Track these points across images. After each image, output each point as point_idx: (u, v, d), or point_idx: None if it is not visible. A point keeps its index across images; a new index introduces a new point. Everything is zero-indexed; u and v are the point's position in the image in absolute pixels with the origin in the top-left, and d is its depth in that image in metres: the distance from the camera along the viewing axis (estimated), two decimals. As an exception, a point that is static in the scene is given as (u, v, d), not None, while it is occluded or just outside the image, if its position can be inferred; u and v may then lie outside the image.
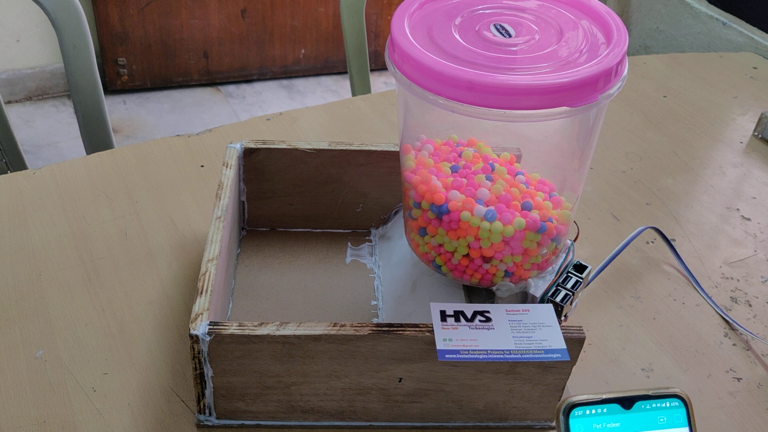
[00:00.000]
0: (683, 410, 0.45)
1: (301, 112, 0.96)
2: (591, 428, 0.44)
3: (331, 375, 0.55)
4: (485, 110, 0.50)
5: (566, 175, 0.61)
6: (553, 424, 0.60)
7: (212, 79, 2.43)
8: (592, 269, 0.62)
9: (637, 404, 0.44)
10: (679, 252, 0.77)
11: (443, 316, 0.54)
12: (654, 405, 0.45)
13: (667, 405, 0.45)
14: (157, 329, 0.65)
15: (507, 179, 0.59)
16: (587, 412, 0.44)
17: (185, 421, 0.58)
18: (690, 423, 0.45)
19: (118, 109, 2.29)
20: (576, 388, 0.63)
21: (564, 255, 0.62)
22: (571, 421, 0.44)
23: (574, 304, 0.60)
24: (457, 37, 0.54)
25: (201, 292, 0.55)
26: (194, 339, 0.52)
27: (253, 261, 0.71)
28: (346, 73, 2.46)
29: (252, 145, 0.70)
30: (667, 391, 0.45)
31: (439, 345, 0.52)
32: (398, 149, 0.65)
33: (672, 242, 0.78)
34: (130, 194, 0.80)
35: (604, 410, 0.44)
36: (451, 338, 0.53)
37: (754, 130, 1.00)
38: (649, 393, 0.45)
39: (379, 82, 2.47)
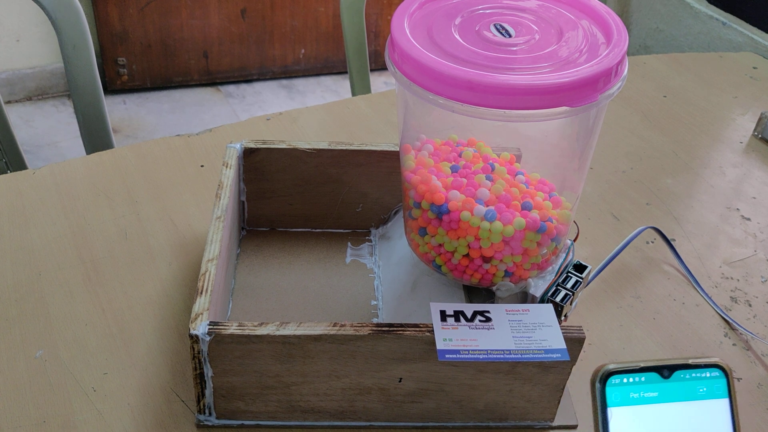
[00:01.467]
0: (724, 381, 0.43)
1: (301, 112, 0.96)
2: (628, 397, 0.43)
3: (331, 375, 0.55)
4: (485, 110, 0.50)
5: (566, 174, 0.61)
6: (553, 423, 0.60)
7: (212, 79, 2.43)
8: (592, 269, 0.62)
9: (676, 373, 0.43)
10: (679, 252, 0.77)
11: (443, 316, 0.54)
12: (693, 375, 0.43)
13: (708, 375, 0.43)
14: (157, 329, 0.65)
15: (507, 179, 0.59)
16: (624, 380, 0.43)
17: (185, 421, 0.58)
18: (730, 394, 0.43)
19: (118, 109, 2.29)
20: (576, 388, 0.63)
21: (564, 255, 0.62)
22: (608, 389, 0.42)
23: (574, 304, 0.60)
24: (457, 37, 0.54)
25: (201, 292, 0.55)
26: (194, 339, 0.52)
27: (253, 261, 0.71)
28: (346, 73, 2.46)
29: (252, 145, 0.70)
30: (707, 361, 0.43)
31: (439, 345, 0.52)
32: (398, 149, 0.65)
33: (672, 242, 0.78)
34: (130, 194, 0.80)
35: (642, 379, 0.43)
36: (451, 338, 0.53)
37: (754, 130, 1.00)
38: (689, 362, 0.43)
39: (379, 82, 2.47)
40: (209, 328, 0.52)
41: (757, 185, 0.91)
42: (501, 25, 0.56)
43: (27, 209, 0.77)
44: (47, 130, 2.18)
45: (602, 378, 0.43)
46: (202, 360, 0.54)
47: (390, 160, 0.71)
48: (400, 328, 0.53)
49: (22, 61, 2.24)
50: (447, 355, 0.52)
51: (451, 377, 0.56)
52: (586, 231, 0.81)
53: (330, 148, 0.70)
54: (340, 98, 1.24)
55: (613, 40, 0.53)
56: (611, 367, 0.43)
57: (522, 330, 0.54)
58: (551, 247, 0.60)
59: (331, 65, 2.54)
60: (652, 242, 0.80)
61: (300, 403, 0.57)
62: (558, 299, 0.58)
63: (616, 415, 0.42)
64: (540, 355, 0.52)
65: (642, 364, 0.43)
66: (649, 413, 0.43)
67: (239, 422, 0.58)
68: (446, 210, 0.57)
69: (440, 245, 0.59)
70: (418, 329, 0.53)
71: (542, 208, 0.58)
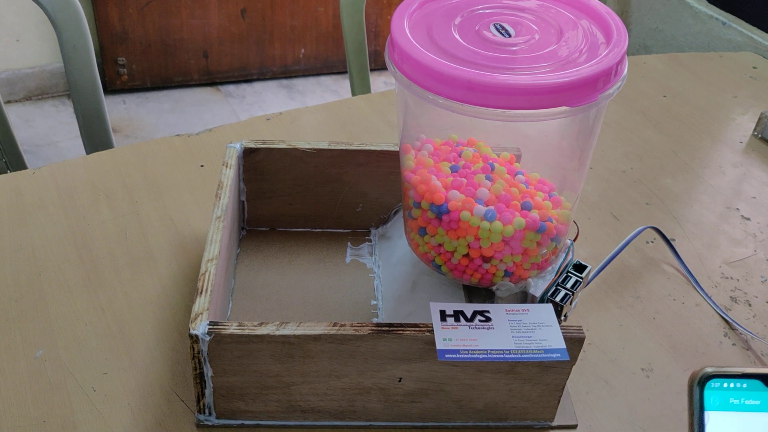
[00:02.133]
0: None
1: (301, 112, 0.96)
2: (727, 403, 0.41)
3: (330, 375, 0.55)
4: (485, 110, 0.50)
5: (566, 174, 0.61)
6: (553, 423, 0.60)
7: (212, 79, 2.43)
8: (592, 269, 0.62)
9: None
10: (679, 252, 0.77)
11: (443, 315, 0.54)
12: None
13: None
14: (157, 329, 0.65)
15: (507, 179, 0.59)
16: (725, 385, 0.41)
17: (185, 420, 0.58)
18: None
19: (117, 109, 2.29)
20: (576, 388, 0.63)
21: (564, 255, 0.62)
22: (706, 392, 0.41)
23: (573, 303, 0.60)
24: (457, 36, 0.54)
25: (201, 292, 0.55)
26: (194, 339, 0.52)
27: (253, 261, 0.71)
28: (346, 72, 2.46)
29: (252, 145, 0.70)
30: None
31: (439, 345, 0.52)
32: (398, 149, 0.65)
33: (672, 242, 0.78)
34: (130, 194, 0.80)
35: (744, 385, 0.41)
36: (451, 338, 0.53)
37: (754, 130, 1.00)
38: None
39: (379, 82, 2.47)
40: (209, 328, 0.52)
41: (757, 185, 0.91)
42: (501, 25, 0.56)
43: (27, 209, 0.77)
44: (47, 129, 2.18)
45: (701, 381, 0.41)
46: (202, 360, 0.54)
47: (390, 160, 0.71)
48: (399, 328, 0.53)
49: (22, 61, 2.24)
50: (447, 355, 0.52)
51: (451, 377, 0.56)
52: (586, 231, 0.81)
53: (330, 147, 0.70)
54: (340, 98, 1.24)
55: (613, 39, 0.53)
56: (710, 370, 0.41)
57: (522, 330, 0.54)
58: (551, 246, 0.60)
59: (331, 65, 2.54)
60: (652, 242, 0.80)
61: (300, 403, 0.57)
62: (558, 299, 0.59)
63: (713, 419, 0.41)
64: (540, 355, 0.52)
65: (744, 371, 0.41)
66: (750, 421, 0.41)
67: (239, 422, 0.58)
68: (446, 210, 0.57)
69: (440, 245, 0.59)
70: (417, 329, 0.53)
71: (542, 207, 0.58)
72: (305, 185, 0.72)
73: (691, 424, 0.41)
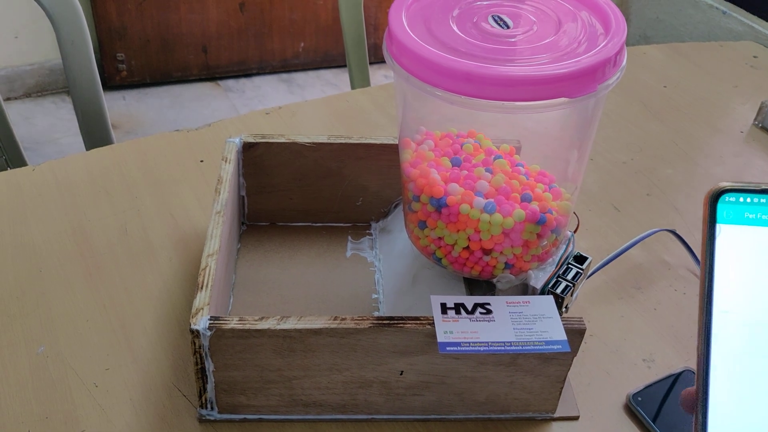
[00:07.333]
0: None
1: (300, 106, 0.96)
2: (742, 216, 0.40)
3: (332, 368, 0.55)
4: (483, 102, 0.50)
5: (566, 166, 0.61)
6: (555, 415, 0.60)
7: (211, 74, 2.43)
8: (593, 260, 0.62)
9: None
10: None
11: (444, 308, 0.54)
12: None
13: None
14: (158, 324, 0.66)
15: (506, 171, 0.59)
16: (740, 199, 0.40)
17: (187, 415, 0.58)
18: None
19: (117, 105, 2.29)
20: (577, 379, 0.63)
21: (564, 246, 0.62)
22: (719, 205, 0.40)
23: (574, 295, 0.60)
24: (455, 28, 0.54)
25: (201, 287, 0.55)
26: (195, 334, 0.52)
27: (254, 256, 0.71)
28: (345, 66, 2.46)
29: (251, 140, 0.70)
30: None
31: (440, 337, 0.52)
32: (398, 142, 0.65)
33: (674, 232, 0.78)
34: (130, 190, 0.80)
35: (762, 200, 0.39)
36: (452, 330, 0.53)
37: (755, 120, 1.00)
38: None
39: (378, 75, 2.47)
40: (210, 323, 0.52)
41: (758, 174, 0.91)
42: (499, 17, 0.55)
43: (27, 206, 0.77)
44: (47, 126, 2.18)
45: (714, 196, 0.40)
46: (204, 355, 0.54)
47: (390, 153, 0.71)
48: (400, 321, 0.53)
49: (20, 58, 2.24)
50: (448, 348, 0.52)
51: (452, 370, 0.56)
52: (587, 222, 0.80)
53: (329, 141, 0.70)
54: (340, 92, 1.24)
55: (612, 30, 0.53)
56: (726, 185, 0.40)
57: (523, 322, 0.54)
58: (551, 238, 0.59)
59: (330, 59, 2.53)
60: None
61: (302, 396, 0.57)
62: (558, 291, 0.58)
63: (725, 232, 0.40)
64: (541, 347, 0.52)
65: (764, 186, 0.40)
66: (766, 236, 0.40)
67: (241, 416, 0.58)
68: (445, 203, 0.57)
69: (440, 238, 0.59)
70: (418, 322, 0.53)
71: (542, 199, 0.57)
72: (305, 179, 0.72)
73: (703, 238, 0.40)
